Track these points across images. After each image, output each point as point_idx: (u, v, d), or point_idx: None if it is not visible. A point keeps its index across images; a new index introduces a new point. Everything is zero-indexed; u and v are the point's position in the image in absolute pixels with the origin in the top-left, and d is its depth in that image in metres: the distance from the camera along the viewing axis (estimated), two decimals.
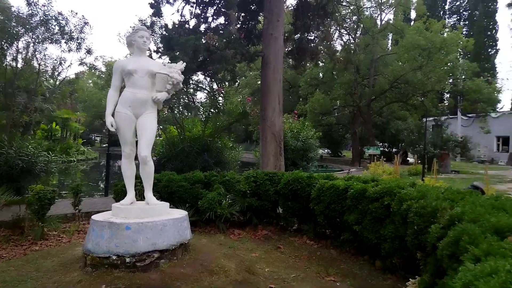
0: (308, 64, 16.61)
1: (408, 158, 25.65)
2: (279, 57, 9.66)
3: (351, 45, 24.83)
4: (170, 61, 5.48)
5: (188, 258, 3.92)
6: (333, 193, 5.64)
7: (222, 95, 13.57)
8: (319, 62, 27.82)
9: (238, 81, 33.69)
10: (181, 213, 4.27)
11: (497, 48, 42.38)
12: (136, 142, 4.27)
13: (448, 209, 3.52)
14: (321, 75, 27.97)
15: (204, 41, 7.89)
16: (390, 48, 27.86)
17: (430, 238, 3.36)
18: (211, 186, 7.09)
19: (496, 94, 22.95)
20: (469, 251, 2.30)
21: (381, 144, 31.95)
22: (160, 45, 8.42)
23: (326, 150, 40.44)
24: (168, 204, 4.43)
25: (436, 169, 20.20)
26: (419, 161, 19.32)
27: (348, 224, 5.37)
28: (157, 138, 13.69)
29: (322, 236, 6.24)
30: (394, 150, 30.01)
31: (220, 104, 12.36)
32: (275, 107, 9.61)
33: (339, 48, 27.79)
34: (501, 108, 40.92)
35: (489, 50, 41.43)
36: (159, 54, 8.25)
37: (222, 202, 6.64)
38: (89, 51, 11.44)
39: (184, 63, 4.22)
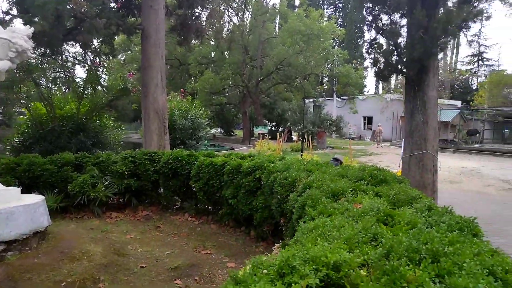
0: (196, 42, 16.29)
1: (292, 136, 27.85)
2: (161, 31, 9.21)
3: (239, 26, 25.26)
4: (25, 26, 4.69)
5: (46, 247, 3.55)
6: (212, 170, 5.80)
7: (101, 69, 12.40)
8: (211, 41, 27.67)
9: (124, 56, 31.24)
10: (35, 199, 3.80)
11: (365, 38, 48.61)
12: None
13: (304, 178, 3.95)
14: (213, 54, 27.88)
15: (71, 6, 6.98)
16: (277, 32, 29.26)
17: (289, 205, 3.73)
18: (83, 168, 6.52)
19: (362, 80, 26.42)
20: (308, 213, 2.63)
21: (269, 123, 33.93)
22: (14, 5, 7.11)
23: (219, 130, 41.06)
24: (18, 189, 3.89)
25: (314, 145, 22.47)
26: (299, 139, 21.16)
27: (225, 199, 5.61)
28: (21, 116, 11.88)
29: (203, 212, 6.39)
30: (280, 128, 32.21)
31: (98, 79, 11.28)
32: (158, 83, 9.23)
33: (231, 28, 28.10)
34: (367, 91, 47.59)
35: (359, 40, 47.14)
36: (11, 16, 6.95)
37: (96, 185, 6.19)
38: None
39: (32, 28, 3.64)
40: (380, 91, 49.40)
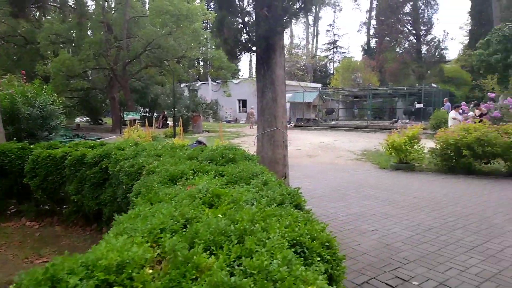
0: (41, 15, 13.76)
1: (168, 122, 26.82)
2: None
3: (100, 1, 22.61)
4: None
5: None
6: (50, 163, 4.94)
7: None
8: (69, 18, 23.86)
9: None
10: None
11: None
12: None
13: (150, 165, 3.61)
14: (73, 33, 24.24)
15: None
16: (148, 11, 27.21)
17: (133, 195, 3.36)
18: None
19: (234, 63, 26.98)
20: (136, 203, 2.33)
21: (142, 109, 31.88)
22: None
23: (84, 118, 36.69)
24: None
25: (190, 129, 22.11)
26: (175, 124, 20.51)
27: (70, 195, 4.86)
28: None
29: (46, 214, 5.47)
30: (155, 114, 30.64)
31: None
32: None
33: (90, 4, 24.88)
34: (242, 75, 49.24)
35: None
36: None
37: None
38: None
39: None
40: (254, 74, 51.67)
